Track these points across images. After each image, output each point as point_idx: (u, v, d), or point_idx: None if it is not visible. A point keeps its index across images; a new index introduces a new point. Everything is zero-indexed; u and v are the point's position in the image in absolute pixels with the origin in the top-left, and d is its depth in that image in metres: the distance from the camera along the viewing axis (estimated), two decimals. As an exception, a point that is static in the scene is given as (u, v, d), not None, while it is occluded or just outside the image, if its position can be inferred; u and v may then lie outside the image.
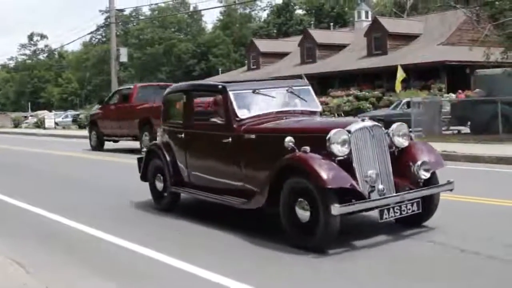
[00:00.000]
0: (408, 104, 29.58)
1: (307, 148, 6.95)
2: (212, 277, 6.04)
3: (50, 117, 55.63)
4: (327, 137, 6.96)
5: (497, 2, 24.22)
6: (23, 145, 29.70)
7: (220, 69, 76.01)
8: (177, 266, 6.51)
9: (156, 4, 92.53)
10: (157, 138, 10.59)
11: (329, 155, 6.97)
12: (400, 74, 35.14)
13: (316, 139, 7.10)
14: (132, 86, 24.65)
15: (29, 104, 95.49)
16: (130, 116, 22.18)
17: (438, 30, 46.62)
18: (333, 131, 6.99)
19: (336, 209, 6.56)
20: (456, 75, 39.29)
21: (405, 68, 37.28)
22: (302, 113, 8.91)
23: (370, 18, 58.98)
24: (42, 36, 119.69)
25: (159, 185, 9.78)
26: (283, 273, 6.27)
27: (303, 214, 6.88)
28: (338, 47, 56.50)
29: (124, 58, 38.00)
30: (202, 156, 9.14)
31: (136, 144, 22.32)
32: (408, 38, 49.94)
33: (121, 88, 26.84)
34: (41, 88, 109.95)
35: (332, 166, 6.83)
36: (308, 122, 8.48)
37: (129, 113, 22.36)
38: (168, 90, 10.39)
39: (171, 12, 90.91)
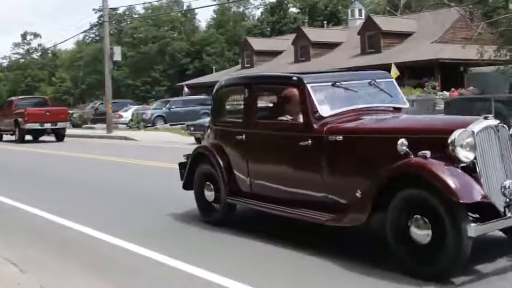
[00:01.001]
0: (402, 102, 29.62)
1: (427, 153, 5.76)
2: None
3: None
4: (450, 139, 5.76)
5: (490, 0, 24.28)
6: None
7: (214, 67, 75.91)
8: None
9: (149, 2, 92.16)
10: (205, 140, 9.39)
11: (451, 161, 5.78)
12: (394, 72, 35.16)
13: (434, 142, 5.95)
14: (14, 98, 36.23)
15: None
16: (10, 117, 32.02)
17: (432, 28, 46.66)
18: (457, 132, 5.77)
19: (473, 229, 5.44)
20: (450, 73, 39.37)
21: (399, 66, 37.28)
22: (385, 110, 7.62)
23: (363, 16, 59.08)
24: (36, 35, 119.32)
25: (209, 195, 8.46)
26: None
27: (421, 234, 5.67)
28: (332, 45, 56.55)
29: (117, 57, 37.88)
30: (269, 161, 7.75)
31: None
32: (402, 36, 50.01)
33: (9, 99, 37.64)
34: (35, 87, 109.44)
35: (463, 176, 5.67)
36: (419, 121, 7.39)
37: (9, 116, 32.20)
38: (222, 83, 8.93)
39: (165, 10, 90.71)
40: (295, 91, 7.35)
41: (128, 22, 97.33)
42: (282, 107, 7.80)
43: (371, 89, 7.65)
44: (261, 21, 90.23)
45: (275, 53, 62.42)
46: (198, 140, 25.26)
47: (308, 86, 7.10)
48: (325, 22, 72.34)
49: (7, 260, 6.73)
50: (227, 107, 8.92)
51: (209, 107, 30.80)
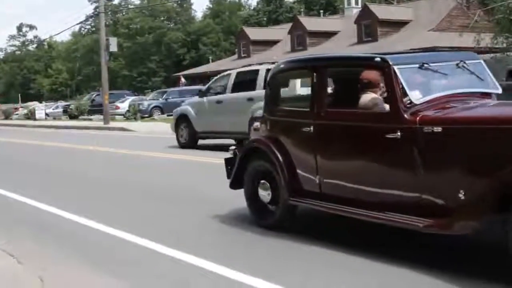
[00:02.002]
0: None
1: None
2: None
3: (40, 108, 55.38)
4: None
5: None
6: (18, 137, 29.62)
7: (210, 57, 75.83)
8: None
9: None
10: (253, 132, 8.22)
11: None
12: (391, 61, 35.14)
13: None
14: None
15: (19, 95, 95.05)
16: None
17: (428, 16, 46.66)
18: None
19: None
20: (447, 61, 39.30)
21: (396, 54, 37.20)
22: (476, 95, 6.73)
23: (360, 5, 58.95)
24: (31, 27, 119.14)
25: (264, 195, 7.43)
26: None
27: None
28: (328, 34, 56.45)
29: (114, 48, 37.78)
30: (346, 157, 6.69)
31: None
32: (398, 24, 49.92)
33: None
34: (31, 79, 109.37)
35: None
36: None
37: None
38: (281, 66, 7.75)
39: (160, 1, 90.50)
40: (377, 74, 6.52)
41: (124, 13, 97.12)
42: (360, 94, 6.73)
43: (459, 71, 6.68)
44: (257, 11, 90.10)
45: (271, 43, 62.31)
46: None
47: (395, 68, 6.13)
48: (321, 11, 72.20)
49: (4, 251, 6.72)
50: (288, 94, 7.99)
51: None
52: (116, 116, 41.70)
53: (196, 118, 18.43)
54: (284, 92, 7.91)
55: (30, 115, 53.89)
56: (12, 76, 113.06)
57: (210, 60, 72.66)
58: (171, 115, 35.55)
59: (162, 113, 40.41)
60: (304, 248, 6.51)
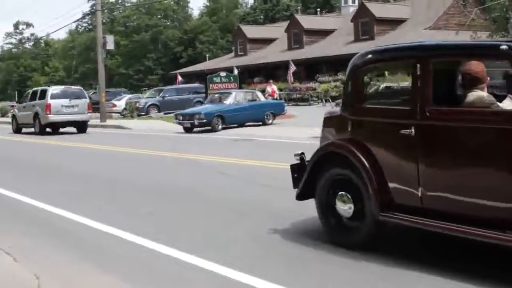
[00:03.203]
0: (386, 89, 29.65)
1: None
2: None
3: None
4: None
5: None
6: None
7: (207, 55, 75.75)
8: None
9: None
10: (325, 134, 7.10)
11: None
12: (388, 59, 35.16)
13: None
14: None
15: (16, 93, 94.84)
16: None
17: (425, 14, 46.70)
18: None
19: None
20: (443, 59, 39.33)
21: (392, 53, 37.25)
22: None
23: (356, 3, 58.96)
24: (28, 25, 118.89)
25: (344, 209, 6.32)
26: None
27: None
28: (325, 33, 56.47)
29: (110, 46, 37.77)
30: (461, 166, 5.49)
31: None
32: (395, 22, 49.97)
33: None
34: (28, 77, 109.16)
35: None
36: None
37: None
38: (369, 56, 6.48)
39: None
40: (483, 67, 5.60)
41: (121, 11, 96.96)
42: (476, 88, 5.69)
43: None
44: (254, 9, 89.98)
45: (268, 41, 62.31)
46: (187, 130, 25.20)
47: None
48: (318, 9, 72.17)
49: (1, 249, 6.72)
50: (378, 89, 7.00)
51: (202, 95, 30.57)
52: (113, 114, 41.66)
53: (18, 115, 30.51)
54: (372, 87, 6.95)
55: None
56: (9, 73, 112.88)
57: (207, 58, 72.59)
58: (168, 113, 35.71)
59: (159, 111, 40.38)
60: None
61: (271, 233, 7.23)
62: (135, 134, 25.72)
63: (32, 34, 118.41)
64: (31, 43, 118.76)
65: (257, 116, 26.76)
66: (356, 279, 5.49)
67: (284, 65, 47.75)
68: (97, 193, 10.77)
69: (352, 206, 6.25)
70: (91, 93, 54.56)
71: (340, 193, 6.36)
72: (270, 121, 27.02)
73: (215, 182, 11.31)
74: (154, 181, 11.87)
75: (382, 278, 5.45)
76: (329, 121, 7.12)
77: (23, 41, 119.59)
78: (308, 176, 6.73)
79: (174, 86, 47.96)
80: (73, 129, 28.06)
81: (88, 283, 5.74)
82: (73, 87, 32.75)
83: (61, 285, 5.69)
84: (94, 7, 48.88)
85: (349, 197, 6.27)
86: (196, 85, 46.10)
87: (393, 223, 5.90)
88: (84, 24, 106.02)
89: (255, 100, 27.78)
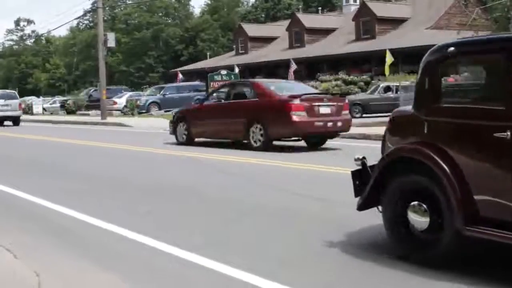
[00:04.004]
0: (386, 89, 29.66)
1: None
2: None
3: (38, 103, 55.33)
4: None
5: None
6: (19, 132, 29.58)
7: (208, 53, 75.76)
8: None
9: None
10: (396, 136, 6.43)
11: None
12: (389, 59, 35.16)
13: None
14: None
15: (17, 90, 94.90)
16: None
17: (427, 14, 46.68)
18: None
19: None
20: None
21: (394, 52, 37.27)
22: None
23: (358, 2, 58.92)
24: (29, 22, 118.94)
25: (419, 221, 5.63)
26: None
27: None
28: (327, 32, 56.45)
29: (111, 43, 37.80)
30: None
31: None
32: (397, 22, 49.95)
33: None
34: (29, 74, 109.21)
35: None
36: None
37: None
38: (451, 49, 5.70)
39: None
40: None
41: (122, 8, 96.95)
42: None
43: None
44: (256, 7, 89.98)
45: (269, 39, 62.29)
46: None
47: None
48: (319, 8, 72.17)
49: (1, 246, 6.71)
50: (462, 86, 6.45)
51: (203, 93, 30.56)
52: (114, 112, 41.68)
53: None
54: (453, 83, 6.30)
55: (28, 110, 53.86)
56: (10, 70, 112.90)
57: (208, 56, 72.58)
58: (169, 111, 35.70)
59: (160, 108, 40.40)
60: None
61: (272, 232, 7.21)
62: (136, 132, 25.72)
63: (33, 31, 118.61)
64: (32, 40, 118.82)
65: None
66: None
67: (285, 63, 47.73)
68: (97, 190, 10.76)
69: (428, 217, 5.55)
70: (91, 91, 54.70)
71: (413, 203, 5.66)
72: None
73: (215, 181, 11.31)
74: (154, 179, 11.86)
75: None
76: (397, 122, 6.55)
77: (24, 38, 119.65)
78: (374, 185, 6.06)
79: (174, 84, 47.99)
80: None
81: (88, 281, 5.73)
82: (7, 90, 42.50)
83: (61, 283, 5.68)
84: (95, 5, 48.88)
85: (425, 207, 5.57)
86: (196, 83, 46.10)
87: (480, 238, 5.19)
88: (85, 22, 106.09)
89: None
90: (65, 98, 59.54)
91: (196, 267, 5.90)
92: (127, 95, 47.46)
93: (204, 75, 39.20)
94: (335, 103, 16.94)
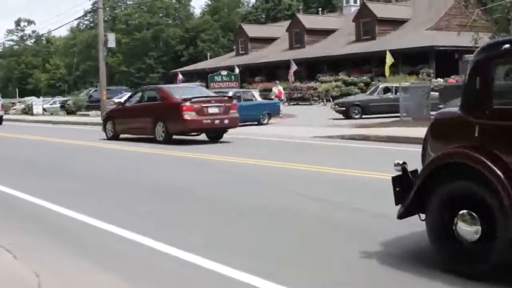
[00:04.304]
0: (385, 89, 29.68)
1: None
2: None
3: (38, 103, 55.30)
4: None
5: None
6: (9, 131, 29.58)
7: (208, 54, 75.78)
8: None
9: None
10: (441, 140, 5.96)
11: None
12: (389, 60, 35.17)
13: None
14: None
15: (17, 90, 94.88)
16: None
17: (427, 15, 46.69)
18: None
19: None
20: (445, 60, 39.37)
21: (394, 53, 37.29)
22: None
23: (358, 3, 59.00)
24: (29, 22, 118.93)
25: (468, 231, 5.26)
26: None
27: None
28: (327, 32, 56.50)
29: (112, 44, 37.79)
30: None
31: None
32: (397, 23, 49.99)
33: None
34: (29, 74, 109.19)
35: None
36: None
37: None
38: (503, 45, 5.33)
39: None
40: None
41: (122, 9, 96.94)
42: None
43: None
44: (256, 8, 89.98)
45: (269, 40, 62.35)
46: None
47: None
48: (319, 9, 72.19)
49: (1, 247, 6.72)
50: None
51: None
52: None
53: None
54: (503, 84, 5.77)
55: (28, 110, 53.84)
56: (10, 71, 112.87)
57: (208, 57, 72.62)
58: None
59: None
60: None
61: (270, 232, 7.21)
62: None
63: (33, 31, 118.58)
64: (33, 41, 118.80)
65: (253, 116, 26.74)
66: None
67: (285, 64, 47.81)
68: (96, 190, 10.77)
69: (478, 226, 5.18)
70: (92, 91, 54.66)
71: (462, 211, 5.27)
72: (266, 121, 27.03)
73: (217, 181, 11.31)
74: (154, 179, 11.87)
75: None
76: (442, 126, 6.12)
77: (25, 38, 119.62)
78: (417, 192, 5.64)
79: (175, 85, 47.95)
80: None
81: (88, 281, 5.74)
82: None
83: (61, 283, 5.69)
84: (95, 5, 48.88)
85: (476, 216, 5.19)
86: (196, 83, 46.04)
87: None
88: (86, 22, 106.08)
89: (251, 100, 27.77)
90: (65, 99, 59.45)
91: (196, 267, 5.91)
92: (127, 95, 47.41)
93: (204, 75, 39.27)
94: (223, 104, 20.29)
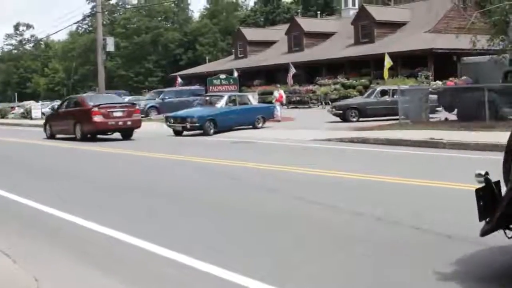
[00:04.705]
0: (382, 92, 29.67)
1: None
2: None
3: (36, 107, 55.28)
4: None
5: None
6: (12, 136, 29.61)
7: (207, 57, 75.80)
8: None
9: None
10: None
11: None
12: (387, 62, 35.22)
13: None
14: None
15: (16, 94, 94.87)
16: None
17: (425, 17, 46.68)
18: None
19: None
20: (443, 62, 39.41)
21: (392, 56, 37.34)
22: None
23: (357, 6, 59.05)
24: (28, 26, 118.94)
25: None
26: None
27: None
28: (325, 35, 56.53)
29: (110, 48, 37.84)
30: None
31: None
32: (395, 26, 50.02)
33: None
34: (28, 78, 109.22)
35: None
36: None
37: None
38: None
39: (158, 1, 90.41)
40: None
41: (121, 13, 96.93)
42: None
43: None
44: (255, 11, 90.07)
45: (268, 43, 62.38)
46: (177, 133, 25.09)
47: None
48: (318, 12, 72.23)
49: (0, 251, 6.71)
50: None
51: (201, 97, 30.48)
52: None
53: None
54: None
55: (26, 114, 53.82)
56: (9, 75, 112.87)
57: (207, 60, 72.64)
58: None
59: (159, 113, 40.37)
60: None
61: (265, 235, 7.21)
62: (135, 136, 25.67)
63: (32, 36, 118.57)
64: (31, 45, 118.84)
65: (248, 120, 26.74)
66: None
67: (284, 67, 47.80)
68: (96, 194, 10.77)
69: None
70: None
71: None
72: (260, 125, 27.02)
73: (218, 185, 11.31)
74: (154, 183, 11.87)
75: None
76: None
77: (23, 42, 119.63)
78: (508, 206, 4.85)
79: (174, 88, 48.00)
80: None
81: (87, 285, 5.73)
82: None
83: None
84: (94, 9, 48.91)
85: None
86: (196, 87, 46.12)
87: None
88: (85, 26, 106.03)
89: (246, 103, 27.76)
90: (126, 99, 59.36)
91: (194, 270, 5.90)
92: (126, 99, 47.42)
93: (203, 79, 39.23)
94: (127, 109, 25.25)
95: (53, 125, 27.10)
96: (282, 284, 5.37)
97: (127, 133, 24.96)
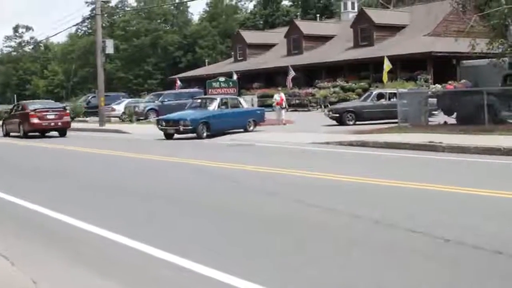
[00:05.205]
0: (379, 96, 29.67)
1: None
2: None
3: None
4: None
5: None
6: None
7: (206, 60, 75.80)
8: None
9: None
10: None
11: None
12: (387, 65, 35.23)
13: None
14: None
15: (15, 96, 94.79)
16: None
17: (424, 21, 46.75)
18: None
19: None
20: (442, 66, 39.45)
21: (392, 59, 37.39)
22: None
23: (356, 9, 59.11)
24: (28, 28, 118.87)
25: None
26: None
27: None
28: (325, 38, 56.58)
29: (110, 50, 37.82)
30: None
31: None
32: (394, 29, 50.05)
33: None
34: (27, 80, 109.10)
35: None
36: None
37: None
38: None
39: (157, 3, 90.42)
40: None
41: (121, 15, 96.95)
42: None
43: None
44: (254, 14, 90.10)
45: (267, 46, 62.41)
46: (168, 136, 24.91)
47: None
48: (317, 15, 72.29)
49: (-2, 253, 6.71)
50: None
51: (193, 100, 30.48)
52: (112, 118, 41.64)
53: None
54: None
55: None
56: (8, 77, 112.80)
57: (207, 63, 72.64)
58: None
59: (158, 115, 40.32)
60: None
61: (265, 238, 7.20)
62: (136, 138, 25.70)
63: (31, 38, 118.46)
64: (31, 47, 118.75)
65: (240, 123, 26.68)
66: None
67: (283, 70, 47.82)
68: (94, 196, 10.76)
69: None
70: (90, 97, 54.61)
71: None
72: (251, 128, 26.95)
73: (217, 188, 11.30)
74: (153, 185, 11.86)
75: None
76: None
77: (23, 44, 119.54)
78: None
79: (173, 91, 47.98)
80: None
81: (85, 287, 5.73)
82: None
83: (57, 290, 5.69)
84: (93, 11, 48.92)
85: None
86: (195, 90, 46.11)
87: None
88: (84, 28, 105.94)
89: (238, 106, 27.66)
90: (63, 105, 59.31)
91: (191, 273, 5.89)
92: (125, 101, 47.40)
93: (203, 81, 39.22)
94: (58, 112, 31.25)
95: (7, 124, 33.68)
96: (283, 287, 5.37)
97: (62, 132, 30.86)
